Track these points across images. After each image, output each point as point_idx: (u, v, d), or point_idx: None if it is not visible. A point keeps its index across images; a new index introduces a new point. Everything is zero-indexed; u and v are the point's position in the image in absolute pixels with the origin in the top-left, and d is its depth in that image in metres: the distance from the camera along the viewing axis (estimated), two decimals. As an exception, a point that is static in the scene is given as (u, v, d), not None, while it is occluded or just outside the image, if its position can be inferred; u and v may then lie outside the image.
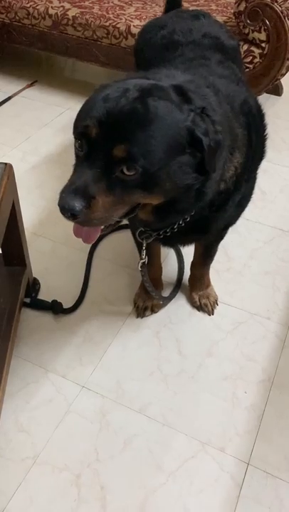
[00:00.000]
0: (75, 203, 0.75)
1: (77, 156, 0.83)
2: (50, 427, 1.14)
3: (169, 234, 1.02)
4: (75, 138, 0.82)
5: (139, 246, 1.22)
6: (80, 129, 0.79)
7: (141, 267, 1.17)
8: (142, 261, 1.15)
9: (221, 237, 1.30)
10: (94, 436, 1.13)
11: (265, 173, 2.04)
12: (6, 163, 1.15)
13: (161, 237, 1.04)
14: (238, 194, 1.04)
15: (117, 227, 1.63)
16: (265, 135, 1.17)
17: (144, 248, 1.12)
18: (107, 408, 1.18)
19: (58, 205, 0.77)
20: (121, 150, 0.75)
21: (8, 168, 1.14)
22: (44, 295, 1.45)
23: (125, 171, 0.76)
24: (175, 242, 1.17)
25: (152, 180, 0.78)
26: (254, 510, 1.02)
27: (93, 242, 0.91)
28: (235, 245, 1.66)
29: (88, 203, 0.76)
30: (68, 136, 2.20)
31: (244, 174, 1.02)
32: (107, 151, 0.76)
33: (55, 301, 1.40)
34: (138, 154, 0.75)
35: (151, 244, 1.20)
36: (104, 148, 0.76)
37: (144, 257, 1.15)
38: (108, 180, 0.77)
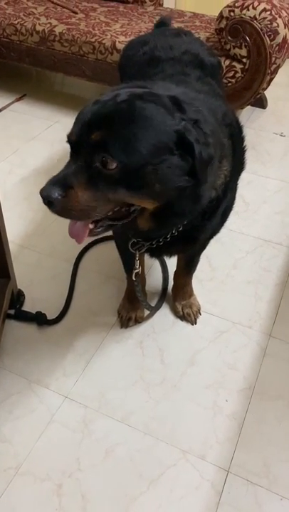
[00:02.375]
0: (52, 191, 0.79)
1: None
2: (33, 437, 1.15)
3: (161, 243, 1.04)
4: (67, 141, 0.85)
5: (127, 257, 1.24)
6: (68, 133, 0.84)
7: (135, 276, 1.19)
8: (136, 271, 1.18)
9: (204, 247, 1.33)
10: (76, 445, 1.14)
11: (250, 184, 2.08)
12: (-11, 177, 1.17)
13: (154, 246, 1.06)
14: (225, 201, 1.08)
15: (102, 239, 1.69)
16: (244, 147, 1.20)
17: (137, 259, 1.15)
18: (89, 418, 1.20)
19: (40, 193, 0.81)
20: (97, 135, 0.78)
21: (-9, 182, 1.17)
22: (29, 306, 1.47)
23: (103, 164, 0.78)
24: (164, 252, 1.18)
25: (137, 179, 0.80)
26: (233, 517, 1.04)
27: (83, 240, 0.91)
28: (219, 255, 1.69)
29: (65, 192, 0.80)
30: (56, 150, 2.24)
31: (231, 182, 1.06)
32: (87, 144, 0.80)
33: (39, 313, 1.42)
34: (115, 146, 0.78)
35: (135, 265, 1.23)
36: (85, 142, 0.80)
37: (137, 267, 1.17)
38: (89, 174, 0.80)
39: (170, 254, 1.21)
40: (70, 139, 0.83)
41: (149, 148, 0.79)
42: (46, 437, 1.15)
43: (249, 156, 2.33)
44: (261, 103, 2.68)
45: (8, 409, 1.21)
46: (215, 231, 1.20)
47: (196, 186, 0.84)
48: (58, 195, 0.79)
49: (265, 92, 2.64)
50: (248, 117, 2.61)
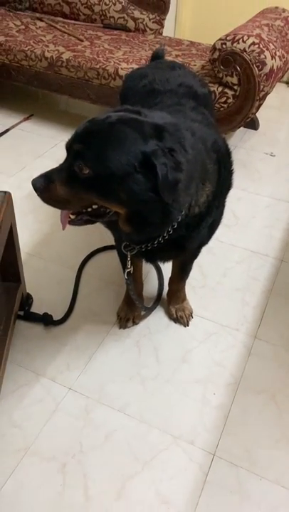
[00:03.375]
0: (38, 182, 1.03)
1: None
2: (40, 423, 1.29)
3: (150, 248, 1.19)
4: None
5: (123, 259, 1.39)
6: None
7: (127, 275, 1.33)
8: (128, 270, 1.32)
9: (195, 256, 1.48)
10: (78, 431, 1.28)
11: (240, 200, 2.24)
12: (5, 192, 1.33)
13: (143, 250, 1.21)
14: (210, 217, 1.22)
15: (103, 248, 1.84)
16: (232, 169, 1.36)
17: (128, 259, 1.29)
18: (90, 407, 1.33)
19: (31, 182, 1.04)
20: (77, 146, 0.99)
21: (7, 196, 1.32)
22: (36, 308, 1.61)
23: (79, 169, 0.97)
24: (156, 257, 1.34)
25: (105, 186, 0.98)
26: (218, 493, 1.17)
27: (65, 226, 1.13)
28: (210, 265, 1.84)
29: (47, 184, 1.02)
30: (61, 166, 2.40)
31: (215, 201, 1.21)
32: (70, 150, 1.01)
33: (46, 314, 1.56)
34: (88, 155, 0.96)
35: (134, 261, 1.37)
36: (70, 150, 1.01)
37: (129, 266, 1.31)
38: (68, 174, 1.00)
39: (163, 260, 1.36)
40: (65, 145, 1.03)
41: (115, 163, 0.95)
42: (52, 423, 1.29)
43: (240, 174, 2.54)
44: (253, 125, 2.86)
45: (18, 399, 1.34)
46: (203, 242, 1.35)
47: (163, 202, 0.99)
48: (41, 185, 1.02)
49: (257, 114, 2.84)
50: (241, 138, 2.79)
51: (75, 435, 1.27)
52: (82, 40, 2.60)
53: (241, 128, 2.88)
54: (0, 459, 1.21)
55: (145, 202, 0.99)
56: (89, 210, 1.08)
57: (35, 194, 1.06)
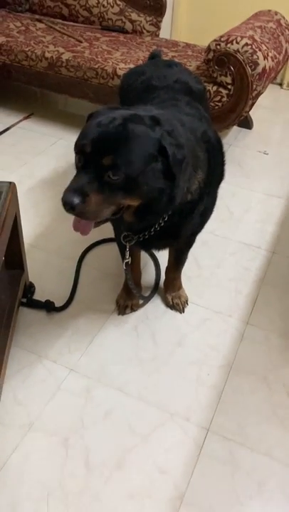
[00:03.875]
0: (74, 199, 1.00)
1: (76, 166, 1.09)
2: (43, 401, 1.36)
3: (147, 237, 1.27)
4: (76, 153, 1.08)
5: (122, 250, 1.46)
6: (79, 147, 1.05)
7: (125, 265, 1.41)
8: (126, 260, 1.39)
9: (190, 245, 1.55)
10: (80, 408, 1.35)
11: (234, 196, 2.32)
12: (10, 182, 1.40)
13: (141, 239, 1.29)
14: (201, 204, 1.30)
15: (103, 240, 1.92)
16: (224, 161, 1.43)
17: (127, 250, 1.36)
18: (91, 386, 1.40)
19: (62, 200, 1.02)
20: (108, 160, 1.01)
21: (12, 186, 1.40)
22: (38, 297, 1.67)
23: (111, 175, 1.01)
24: (152, 246, 1.41)
25: (133, 184, 1.04)
26: (211, 464, 1.24)
27: (88, 233, 1.13)
28: (205, 256, 1.92)
29: (83, 199, 1.01)
30: (61, 163, 2.48)
31: (206, 188, 1.28)
32: (97, 161, 1.01)
33: (48, 301, 1.64)
34: (121, 163, 1.01)
35: (133, 251, 1.45)
36: (95, 159, 1.02)
37: (127, 257, 1.39)
38: (99, 183, 1.02)
39: (159, 248, 1.44)
40: (80, 150, 1.04)
41: (142, 159, 1.02)
42: (54, 402, 1.36)
43: (235, 171, 2.63)
44: (247, 124, 2.95)
45: (22, 379, 1.41)
46: (196, 230, 1.43)
47: (171, 189, 1.07)
48: (79, 201, 1.00)
49: (251, 114, 2.93)
50: (235, 137, 2.88)
51: (76, 412, 1.34)
52: (81, 42, 2.68)
53: (236, 127, 2.97)
54: (5, 433, 1.27)
55: (157, 189, 1.06)
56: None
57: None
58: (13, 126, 2.77)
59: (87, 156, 1.03)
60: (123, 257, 1.54)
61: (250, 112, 2.97)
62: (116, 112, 1.07)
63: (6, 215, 1.31)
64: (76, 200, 1.00)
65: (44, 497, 1.15)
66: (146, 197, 1.08)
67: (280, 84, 3.70)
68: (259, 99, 3.11)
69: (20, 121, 2.83)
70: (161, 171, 1.05)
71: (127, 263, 1.40)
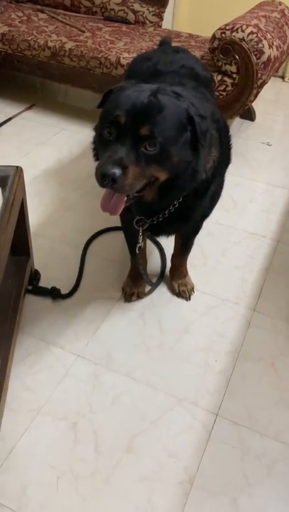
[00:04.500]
0: (115, 171, 0.97)
1: (105, 140, 1.05)
2: (51, 386, 1.35)
3: (161, 219, 1.26)
4: (107, 126, 1.04)
5: (129, 236, 1.44)
6: (112, 118, 1.02)
7: (138, 249, 1.40)
8: (139, 245, 1.39)
9: (197, 230, 1.54)
10: (88, 393, 1.34)
11: (238, 186, 2.32)
12: (17, 166, 1.39)
13: (155, 222, 1.27)
14: (213, 185, 1.30)
15: (107, 229, 1.91)
16: (230, 144, 1.43)
17: (140, 234, 1.35)
18: (99, 372, 1.40)
19: (100, 173, 0.99)
20: (146, 130, 1.00)
21: (19, 170, 1.39)
22: (44, 285, 1.66)
23: (148, 147, 1.00)
24: (162, 231, 1.40)
25: (166, 155, 1.03)
26: (221, 448, 1.24)
27: (119, 212, 1.08)
28: (210, 245, 1.92)
29: (124, 171, 0.98)
30: (63, 153, 2.47)
31: (218, 168, 1.28)
32: (134, 132, 1.00)
33: (54, 288, 1.63)
34: (157, 133, 1.00)
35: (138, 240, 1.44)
36: (131, 130, 1.00)
37: (140, 242, 1.38)
38: (136, 155, 1.00)
39: (168, 233, 1.43)
40: (114, 122, 1.02)
41: (175, 128, 1.03)
42: (62, 387, 1.35)
43: (238, 162, 2.63)
44: (250, 116, 2.94)
45: (30, 365, 1.40)
46: (205, 213, 1.42)
47: (196, 160, 1.07)
48: (120, 173, 0.98)
49: (254, 106, 2.92)
50: (239, 128, 2.87)
51: (84, 398, 1.33)
52: (83, 31, 2.67)
53: (238, 119, 2.97)
54: (14, 418, 1.27)
55: (185, 161, 1.06)
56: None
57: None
58: (15, 116, 2.75)
59: (121, 127, 1.01)
60: (131, 244, 1.54)
61: (253, 104, 2.97)
62: (141, 86, 1.08)
63: (13, 199, 1.30)
64: (118, 171, 0.97)
65: (54, 481, 1.15)
66: (175, 170, 1.07)
67: (282, 77, 3.70)
68: (261, 91, 3.10)
69: (22, 111, 2.81)
70: (188, 141, 1.05)
71: (140, 247, 1.39)
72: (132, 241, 1.53)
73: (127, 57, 2.36)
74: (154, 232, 1.40)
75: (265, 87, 3.45)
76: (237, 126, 2.88)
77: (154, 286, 1.68)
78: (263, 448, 1.25)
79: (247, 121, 2.96)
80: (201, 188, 1.22)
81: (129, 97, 1.03)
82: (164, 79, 1.47)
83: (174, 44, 2.57)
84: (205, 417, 1.31)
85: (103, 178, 0.98)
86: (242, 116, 2.96)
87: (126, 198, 1.08)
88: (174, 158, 1.04)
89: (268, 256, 1.89)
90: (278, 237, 1.99)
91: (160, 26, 2.95)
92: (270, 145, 2.72)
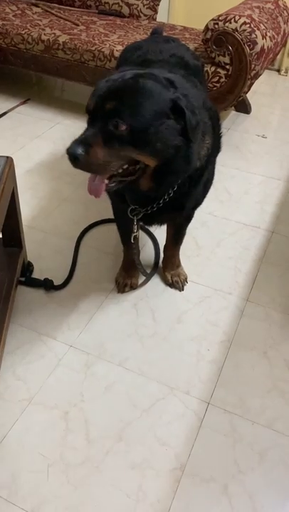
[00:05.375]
0: (77, 150, 1.00)
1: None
2: (43, 376, 1.35)
3: (155, 209, 1.25)
4: (87, 113, 1.06)
5: (122, 229, 1.44)
6: (86, 106, 1.05)
7: (133, 239, 1.39)
8: (134, 234, 1.38)
9: (189, 219, 1.54)
10: (80, 383, 1.34)
11: (233, 178, 2.31)
12: (7, 157, 1.39)
13: (149, 212, 1.27)
14: (206, 173, 1.29)
15: (101, 221, 1.91)
16: (220, 133, 1.42)
17: (135, 223, 1.35)
18: (91, 362, 1.40)
19: (66, 153, 1.01)
20: (110, 105, 1.00)
21: (9, 160, 1.38)
22: (37, 277, 1.66)
23: (116, 127, 0.99)
24: (156, 220, 1.39)
25: (142, 139, 1.02)
26: (212, 436, 1.24)
27: (101, 194, 1.10)
28: (204, 236, 1.91)
29: (87, 150, 1.00)
30: (58, 147, 2.46)
31: (211, 156, 1.28)
32: (102, 111, 1.01)
33: (46, 279, 1.62)
34: (124, 112, 0.99)
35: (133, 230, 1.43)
36: (100, 111, 1.01)
37: (135, 231, 1.37)
38: (104, 135, 1.01)
39: (161, 223, 1.43)
40: (88, 109, 1.05)
41: (151, 113, 1.01)
42: (54, 377, 1.35)
43: (234, 155, 2.63)
44: (246, 109, 2.93)
45: (21, 355, 1.40)
46: (198, 201, 1.42)
47: (188, 147, 1.06)
48: (82, 151, 0.99)
49: (249, 99, 2.91)
50: (234, 121, 2.86)
51: (76, 387, 1.33)
52: (77, 25, 2.66)
53: (234, 112, 2.96)
54: (5, 407, 1.27)
55: (174, 148, 1.05)
56: (120, 171, 1.08)
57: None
58: (10, 110, 2.75)
59: (94, 109, 1.03)
60: (123, 234, 1.53)
61: (249, 97, 2.97)
62: (129, 71, 1.07)
63: (3, 188, 1.29)
64: (79, 150, 0.99)
65: (44, 469, 1.15)
66: (163, 155, 1.06)
67: (278, 71, 3.69)
68: (257, 84, 3.09)
69: (18, 106, 2.81)
70: (175, 128, 1.03)
71: (135, 237, 1.39)
72: (124, 231, 1.53)
73: (120, 50, 2.35)
74: (147, 221, 1.40)
75: (261, 80, 3.46)
76: (232, 119, 2.87)
77: (149, 276, 1.67)
78: (254, 436, 1.24)
79: (242, 114, 2.96)
80: (195, 176, 1.22)
81: (108, 80, 1.04)
82: (153, 68, 1.46)
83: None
84: (197, 405, 1.31)
85: (69, 157, 1.01)
86: (237, 109, 2.95)
87: (109, 181, 1.09)
88: (154, 143, 1.03)
89: (262, 247, 1.89)
90: (273, 228, 1.99)
91: (155, 19, 2.94)
92: (266, 137, 2.71)
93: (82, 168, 1.03)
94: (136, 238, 1.40)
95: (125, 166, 1.08)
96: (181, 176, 1.16)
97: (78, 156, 0.99)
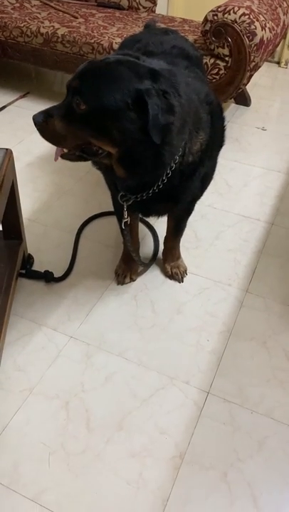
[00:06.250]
0: (38, 116, 1.09)
1: None
2: (43, 367, 1.36)
3: (145, 199, 1.25)
4: None
5: (119, 211, 1.43)
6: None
7: (124, 225, 1.39)
8: (125, 220, 1.38)
9: (189, 212, 1.54)
10: (80, 373, 1.35)
11: (233, 171, 2.31)
12: (6, 149, 1.39)
13: (138, 200, 1.27)
14: (202, 168, 1.29)
15: (101, 214, 1.91)
16: (224, 126, 1.42)
17: (125, 209, 1.34)
18: (91, 353, 1.41)
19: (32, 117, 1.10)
20: (75, 83, 1.05)
21: (8, 152, 1.38)
22: (37, 268, 1.67)
23: (77, 105, 1.03)
24: (151, 210, 1.40)
25: (99, 123, 1.04)
26: (211, 425, 1.25)
27: (57, 158, 1.19)
28: (204, 229, 1.92)
29: (46, 119, 1.08)
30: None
31: (207, 151, 1.27)
32: (70, 89, 1.06)
33: (47, 271, 1.63)
34: (86, 92, 1.02)
35: (131, 218, 1.43)
36: (70, 88, 1.07)
37: (126, 217, 1.37)
38: (66, 110, 1.07)
39: (158, 214, 1.43)
40: (66, 84, 1.09)
41: (109, 99, 1.01)
42: (55, 367, 1.36)
43: (233, 147, 2.62)
44: (245, 102, 2.93)
45: (22, 346, 1.41)
46: (196, 195, 1.42)
47: (154, 143, 1.03)
48: (41, 119, 1.09)
49: (249, 92, 2.91)
50: (233, 114, 2.86)
51: (76, 377, 1.34)
52: (76, 17, 2.65)
53: (234, 104, 2.95)
54: (6, 397, 1.28)
55: (136, 141, 1.04)
56: (79, 147, 1.13)
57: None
58: (9, 104, 2.75)
59: (66, 88, 1.07)
60: (120, 218, 1.53)
61: (248, 90, 2.96)
62: (116, 56, 1.08)
63: (3, 180, 1.30)
64: (39, 118, 1.08)
65: (46, 457, 1.16)
66: (121, 145, 1.07)
67: (278, 63, 3.68)
68: (257, 77, 3.08)
69: (17, 99, 2.80)
70: (135, 121, 1.02)
71: (125, 223, 1.38)
72: (120, 217, 1.53)
73: (119, 43, 2.34)
74: (144, 212, 1.40)
75: (261, 72, 3.45)
76: (232, 112, 2.87)
77: (147, 266, 1.68)
78: (253, 424, 1.25)
79: (242, 106, 2.95)
80: (187, 171, 1.22)
81: (89, 62, 1.08)
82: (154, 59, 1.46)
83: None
84: (196, 395, 1.32)
85: (33, 122, 1.10)
86: (237, 102, 2.95)
87: (68, 151, 1.16)
88: (111, 129, 1.04)
89: (261, 238, 1.89)
90: (272, 220, 1.99)
91: (154, 12, 2.93)
92: (265, 130, 2.71)
93: (40, 135, 1.11)
94: (126, 224, 1.40)
95: (87, 146, 1.11)
96: (157, 172, 1.15)
97: (37, 122, 1.09)
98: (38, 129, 1.11)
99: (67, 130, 1.08)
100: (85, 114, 1.04)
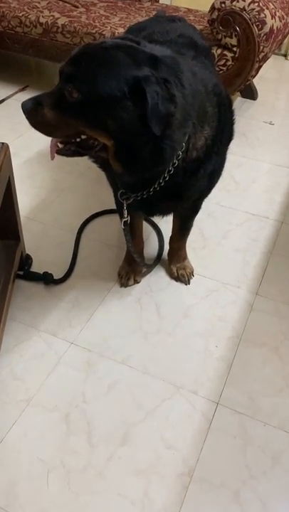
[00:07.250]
0: (27, 104, 1.01)
1: None
2: (42, 375, 1.28)
3: (146, 197, 1.17)
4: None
5: (120, 209, 1.36)
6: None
7: (124, 224, 1.31)
8: (124, 219, 1.29)
9: (196, 210, 1.45)
10: (81, 382, 1.27)
11: (240, 166, 2.22)
12: (3, 143, 1.30)
13: (139, 198, 1.19)
14: (208, 165, 1.20)
15: (102, 212, 1.83)
16: (233, 119, 1.33)
17: (125, 208, 1.26)
18: (93, 360, 1.32)
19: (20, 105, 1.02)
20: (68, 69, 0.97)
21: (5, 146, 1.30)
22: (36, 269, 1.59)
23: (69, 93, 0.95)
24: (155, 209, 1.31)
25: (93, 112, 0.95)
26: (222, 439, 1.17)
27: (53, 156, 1.10)
28: (211, 228, 1.83)
29: (35, 107, 1.00)
30: (58, 135, 2.37)
31: (214, 147, 1.18)
32: (62, 75, 0.98)
33: (46, 273, 1.55)
34: (79, 78, 0.94)
35: (134, 216, 1.35)
36: (61, 74, 0.98)
37: (126, 216, 1.28)
38: (58, 98, 0.98)
39: (162, 213, 1.34)
40: (58, 70, 1.01)
41: (104, 87, 0.92)
42: (54, 376, 1.28)
43: (240, 142, 2.53)
44: (252, 95, 2.84)
45: (20, 354, 1.33)
46: (203, 193, 1.33)
47: (153, 136, 0.95)
48: (30, 107, 1.00)
49: (256, 85, 2.81)
50: (240, 107, 2.77)
51: (77, 386, 1.26)
52: (77, 7, 2.56)
53: (240, 98, 2.86)
54: (3, 408, 1.20)
55: (133, 133, 0.96)
56: (77, 140, 1.05)
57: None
58: (8, 98, 2.66)
59: (59, 74, 0.99)
60: (121, 216, 1.45)
61: (255, 83, 2.86)
62: (115, 40, 0.99)
63: (-2, 176, 1.22)
64: (28, 106, 1.00)
65: (44, 475, 1.08)
66: (117, 137, 0.98)
67: (285, 56, 3.58)
68: (263, 70, 2.98)
69: (16, 93, 2.72)
70: (132, 111, 0.93)
71: (125, 222, 1.30)
72: (122, 215, 1.44)
73: (122, 33, 2.25)
74: (147, 211, 1.32)
75: (268, 65, 3.35)
76: (238, 105, 2.77)
77: (150, 267, 1.59)
78: (266, 438, 1.17)
79: (249, 100, 2.86)
80: (191, 167, 1.13)
81: (84, 45, 1.00)
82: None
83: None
84: (205, 405, 1.23)
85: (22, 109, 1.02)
86: (243, 95, 2.85)
87: (64, 146, 1.08)
88: (106, 121, 0.95)
89: (270, 238, 1.80)
90: (282, 218, 1.91)
91: (157, 1, 2.83)
92: (273, 124, 2.62)
93: (30, 123, 1.03)
94: (126, 224, 1.31)
95: (83, 137, 1.03)
96: (157, 168, 1.06)
97: (25, 110, 1.00)
98: (26, 117, 1.02)
99: (57, 120, 0.99)
100: (77, 103, 0.95)
